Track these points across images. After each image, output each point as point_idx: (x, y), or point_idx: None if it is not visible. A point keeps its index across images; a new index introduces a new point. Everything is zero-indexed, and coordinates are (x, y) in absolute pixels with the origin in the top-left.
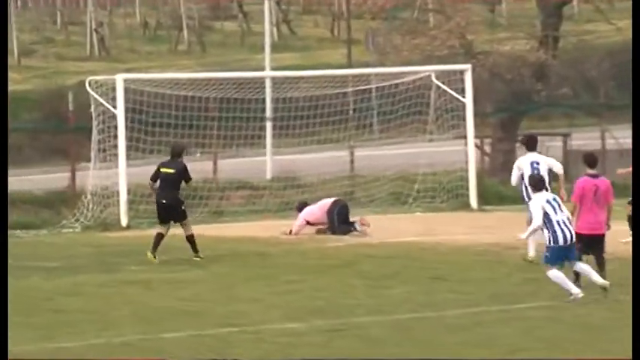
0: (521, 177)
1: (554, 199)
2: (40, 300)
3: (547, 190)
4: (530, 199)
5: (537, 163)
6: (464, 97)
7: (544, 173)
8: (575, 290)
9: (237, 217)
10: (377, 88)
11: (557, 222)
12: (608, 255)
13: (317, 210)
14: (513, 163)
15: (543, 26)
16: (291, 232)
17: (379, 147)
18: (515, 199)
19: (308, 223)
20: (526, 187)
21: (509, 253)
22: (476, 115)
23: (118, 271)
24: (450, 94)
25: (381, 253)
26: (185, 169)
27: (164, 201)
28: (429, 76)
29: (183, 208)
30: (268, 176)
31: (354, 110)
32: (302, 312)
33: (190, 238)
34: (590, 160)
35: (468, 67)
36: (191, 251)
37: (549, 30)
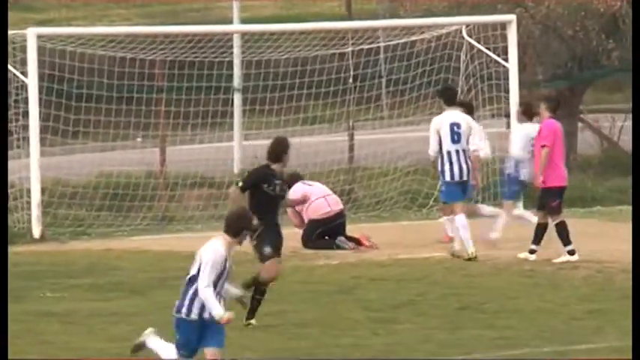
0: (440, 144)
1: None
2: None
3: (461, 173)
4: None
5: (458, 126)
6: (506, 60)
7: (463, 139)
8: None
9: (193, 226)
10: (386, 47)
11: None
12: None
13: (320, 192)
14: (574, 150)
15: None
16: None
17: (389, 128)
18: (575, 200)
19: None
20: (449, 158)
21: (567, 275)
22: (523, 84)
23: (26, 300)
24: (488, 56)
25: (391, 275)
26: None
27: None
28: (459, 31)
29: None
30: (236, 169)
31: (355, 78)
32: (282, 355)
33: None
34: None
35: (512, 18)
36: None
37: None
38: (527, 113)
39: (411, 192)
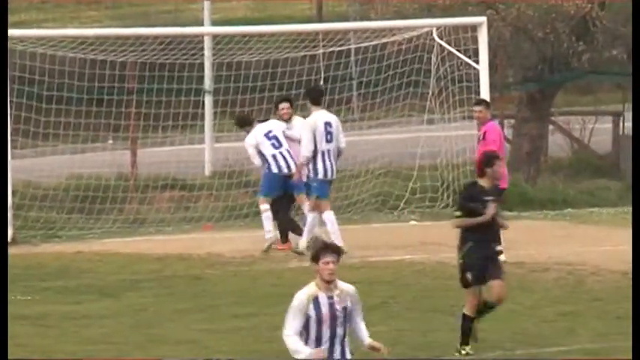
0: (315, 144)
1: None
2: None
3: (332, 171)
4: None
5: (330, 126)
6: (477, 62)
7: (334, 139)
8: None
9: (164, 228)
10: (357, 50)
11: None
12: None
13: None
14: (544, 153)
15: None
16: None
17: (360, 131)
18: (546, 203)
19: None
20: (323, 157)
21: (538, 277)
22: (493, 87)
23: None
24: (458, 58)
25: (363, 278)
26: None
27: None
28: (429, 33)
29: None
30: (207, 171)
31: (326, 80)
32: (253, 356)
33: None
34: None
35: (482, 20)
36: None
37: None
38: None
39: (382, 194)
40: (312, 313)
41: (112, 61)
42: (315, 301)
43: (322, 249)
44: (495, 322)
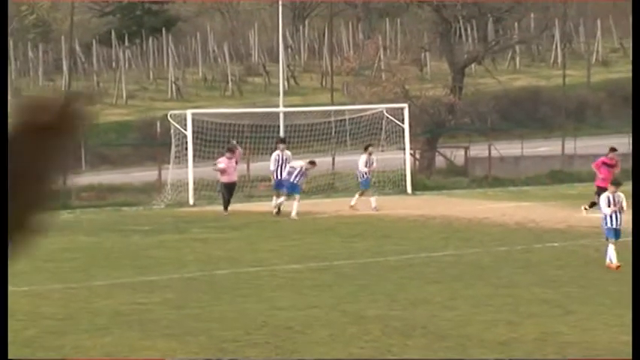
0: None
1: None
2: (138, 250)
3: None
4: None
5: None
6: (403, 124)
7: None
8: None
9: (263, 200)
10: (350, 118)
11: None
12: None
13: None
14: (434, 165)
15: (453, 80)
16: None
17: (351, 155)
18: (434, 188)
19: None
20: None
21: (430, 222)
22: (411, 135)
23: (187, 233)
24: (395, 122)
25: (351, 221)
26: None
27: None
28: (382, 111)
29: None
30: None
31: (335, 132)
32: (301, 258)
33: None
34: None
35: (405, 105)
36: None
37: (457, 82)
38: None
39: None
40: None
41: (239, 123)
42: None
43: None
44: (410, 241)
